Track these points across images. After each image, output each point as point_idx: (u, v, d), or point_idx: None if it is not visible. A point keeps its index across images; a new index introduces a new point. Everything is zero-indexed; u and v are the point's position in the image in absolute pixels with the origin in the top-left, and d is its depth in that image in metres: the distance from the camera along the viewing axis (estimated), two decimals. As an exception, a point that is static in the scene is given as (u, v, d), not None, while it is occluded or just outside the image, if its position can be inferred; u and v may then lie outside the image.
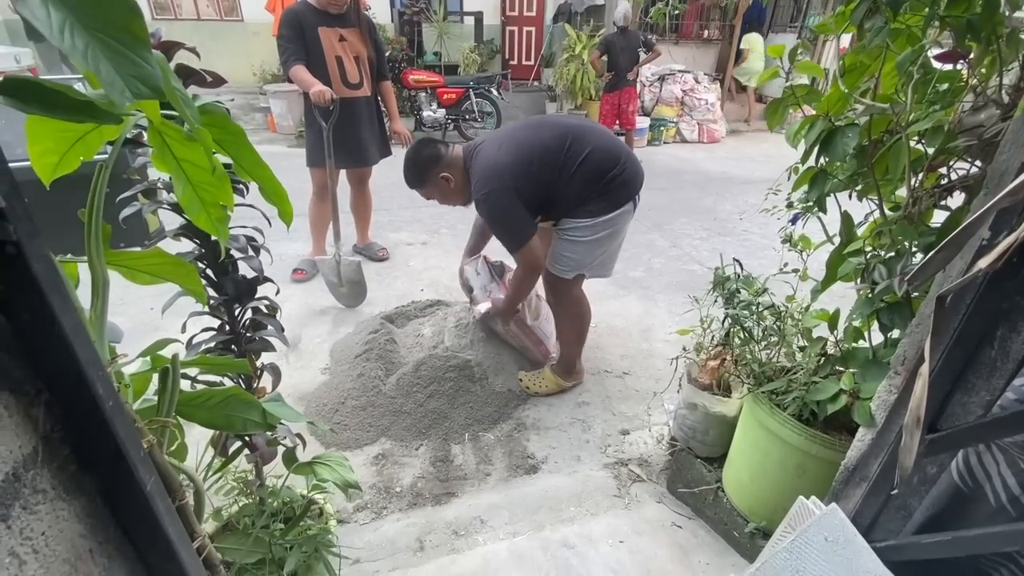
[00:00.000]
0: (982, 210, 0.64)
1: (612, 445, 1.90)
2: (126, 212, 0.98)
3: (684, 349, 1.77)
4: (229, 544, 0.98)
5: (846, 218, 1.24)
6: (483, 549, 1.49)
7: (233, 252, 1.08)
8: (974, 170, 0.98)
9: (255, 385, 1.17)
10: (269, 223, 1.07)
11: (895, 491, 0.91)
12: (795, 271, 1.43)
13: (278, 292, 1.25)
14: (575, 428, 1.97)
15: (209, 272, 1.08)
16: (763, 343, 1.44)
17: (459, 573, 1.41)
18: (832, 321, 1.31)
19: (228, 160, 0.76)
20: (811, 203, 1.25)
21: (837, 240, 1.28)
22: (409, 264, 3.20)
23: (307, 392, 2.07)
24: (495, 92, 6.48)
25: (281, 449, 1.13)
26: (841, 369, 1.25)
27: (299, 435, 1.15)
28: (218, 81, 0.92)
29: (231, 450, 1.11)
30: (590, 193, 1.72)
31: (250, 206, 1.06)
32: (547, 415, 2.02)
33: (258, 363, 1.18)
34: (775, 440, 1.31)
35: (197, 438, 1.02)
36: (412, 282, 2.99)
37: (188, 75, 0.88)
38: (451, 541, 1.51)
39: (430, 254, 3.38)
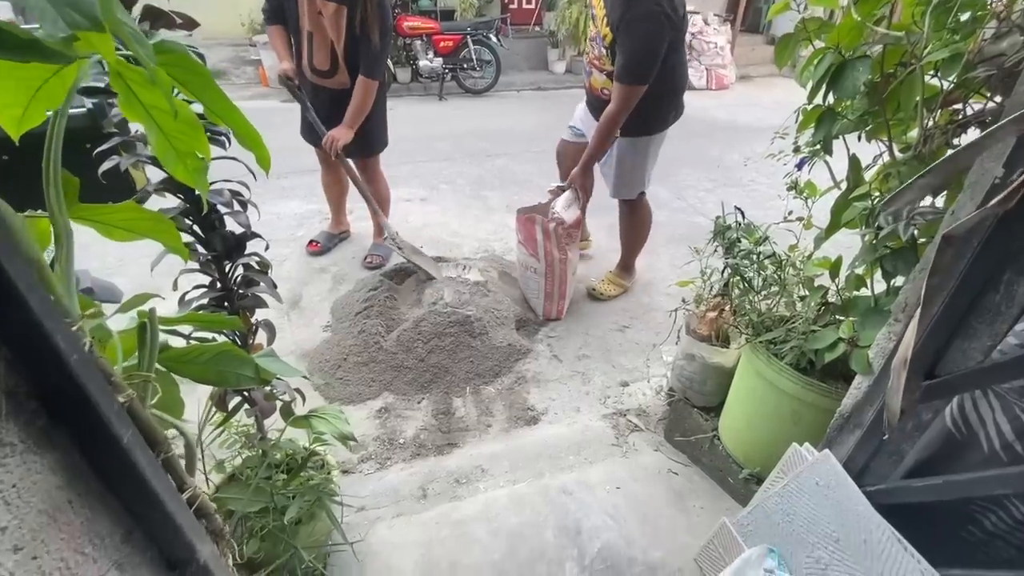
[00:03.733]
0: (978, 137, 0.60)
1: (611, 396, 1.93)
2: (105, 166, 0.95)
3: (683, 301, 1.75)
4: (231, 494, 1.00)
5: (853, 161, 1.19)
6: (484, 496, 1.54)
7: (219, 207, 1.06)
8: (991, 105, 0.92)
9: (250, 341, 1.17)
10: (254, 176, 1.03)
11: (886, 436, 0.91)
12: (799, 219, 1.39)
13: (267, 248, 1.22)
14: (575, 381, 1.99)
15: (196, 228, 1.06)
16: (763, 293, 1.42)
17: (460, 518, 1.47)
18: (834, 269, 1.28)
19: (201, 109, 0.72)
20: (817, 145, 1.20)
21: (844, 187, 1.23)
22: (408, 221, 3.16)
23: (309, 349, 2.09)
24: (494, 39, 6.20)
25: (280, 404, 1.14)
26: (841, 318, 1.23)
27: (298, 390, 1.16)
28: (189, 24, 0.87)
29: (231, 405, 1.13)
30: (670, 101, 2.00)
31: (232, 159, 1.02)
32: (547, 368, 2.04)
33: (252, 320, 1.18)
34: (771, 388, 1.31)
35: (200, 395, 1.04)
36: (411, 239, 2.95)
37: (156, 17, 0.83)
38: (453, 489, 1.56)
39: (429, 211, 3.33)
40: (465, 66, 6.20)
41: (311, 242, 2.88)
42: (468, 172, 3.97)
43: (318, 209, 3.27)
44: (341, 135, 2.19)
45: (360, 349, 1.98)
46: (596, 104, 2.07)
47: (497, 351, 2.03)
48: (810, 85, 1.10)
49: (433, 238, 2.97)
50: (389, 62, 6.00)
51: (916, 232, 1.01)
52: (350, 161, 2.32)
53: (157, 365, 0.69)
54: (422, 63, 6.12)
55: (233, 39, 7.26)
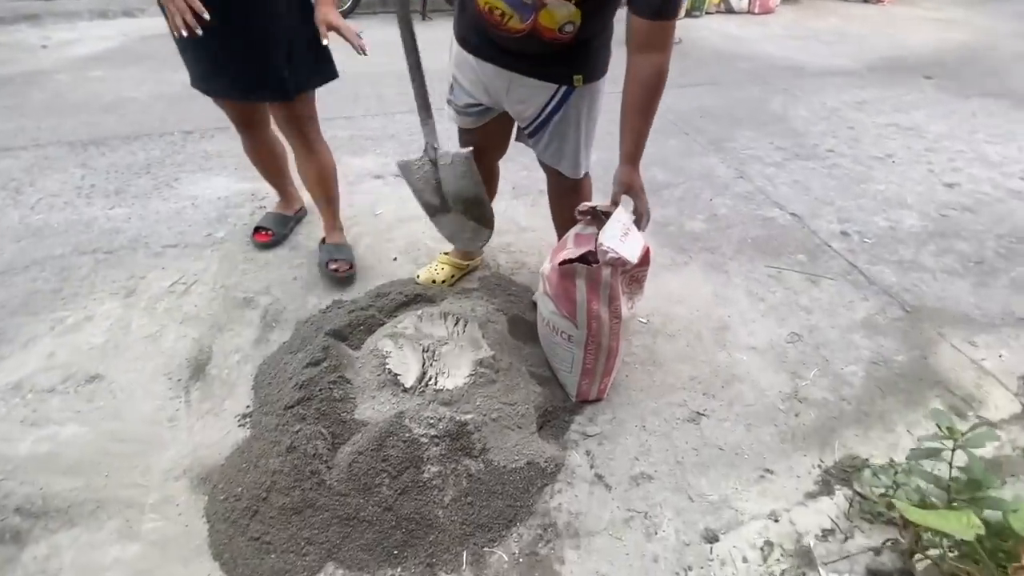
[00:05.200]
0: None
1: (693, 567, 1.21)
2: None
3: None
4: None
5: None
6: None
7: None
8: None
9: None
10: None
11: None
12: None
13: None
14: (634, 531, 1.26)
15: None
16: None
17: None
18: None
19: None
20: None
21: None
22: (376, 214, 2.27)
23: (213, 464, 1.32)
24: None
25: None
26: None
27: None
28: None
29: None
30: None
31: None
32: (589, 504, 1.30)
33: None
34: None
35: None
36: (379, 245, 2.10)
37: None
38: None
39: (407, 195, 2.42)
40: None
41: (259, 231, 2.05)
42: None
43: (252, 190, 2.36)
44: (336, 16, 1.43)
45: (290, 481, 1.22)
46: (534, 53, 1.27)
47: (510, 479, 1.28)
48: None
49: (413, 242, 2.11)
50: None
51: None
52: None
53: None
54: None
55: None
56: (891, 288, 2.02)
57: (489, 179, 1.70)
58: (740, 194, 2.54)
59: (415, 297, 1.68)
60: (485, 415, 1.31)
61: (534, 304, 1.77)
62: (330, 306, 1.75)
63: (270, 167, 2.02)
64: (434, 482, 1.22)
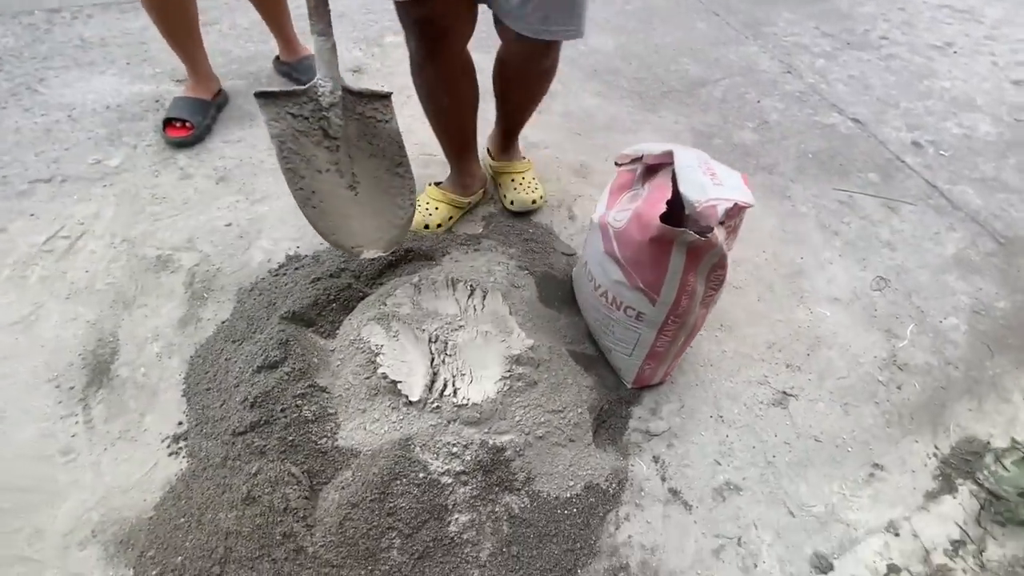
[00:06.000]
0: None
1: (809, 609, 0.94)
2: None
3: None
4: None
5: None
6: None
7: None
8: None
9: None
10: None
11: None
12: None
13: None
14: (727, 564, 0.96)
15: None
16: None
17: None
18: None
19: None
20: None
21: None
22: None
23: (135, 518, 0.91)
24: None
25: None
26: None
27: None
28: None
29: None
30: None
31: None
32: (665, 531, 0.98)
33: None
34: None
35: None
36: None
37: None
38: None
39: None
40: None
41: (171, 124, 1.56)
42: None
43: (156, 94, 1.71)
44: None
45: (253, 549, 0.83)
46: None
47: (565, 513, 0.93)
48: None
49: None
50: None
51: None
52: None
53: None
54: None
55: None
56: (978, 214, 1.67)
57: (463, 79, 1.17)
58: (791, 94, 2.06)
59: (405, 253, 1.20)
60: (528, 433, 0.92)
61: (564, 256, 1.34)
62: (283, 265, 1.27)
63: (177, 21, 1.43)
64: (465, 536, 0.86)
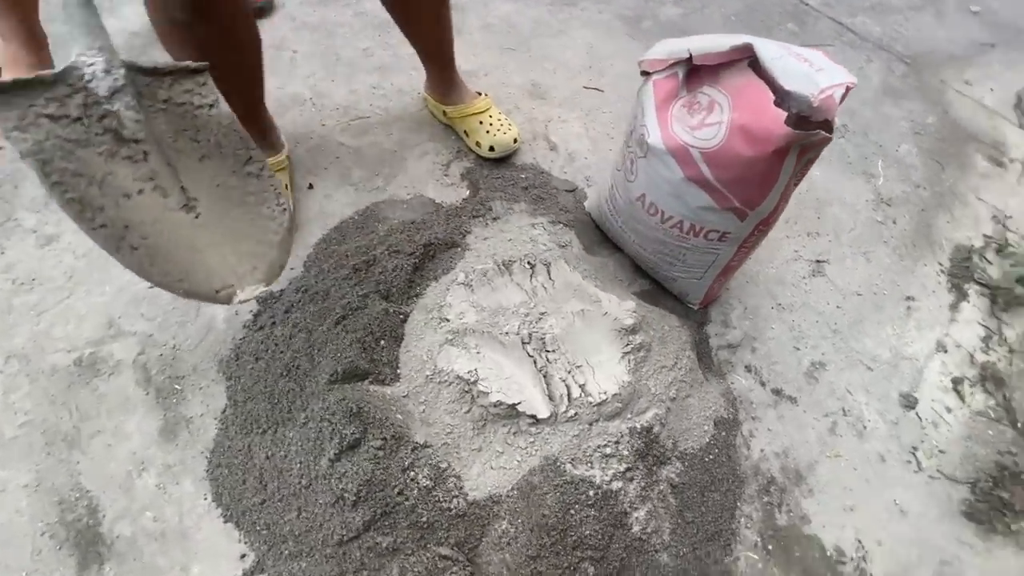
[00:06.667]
0: None
1: (919, 447, 1.03)
2: None
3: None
4: None
5: None
6: None
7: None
8: None
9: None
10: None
11: None
12: None
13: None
14: (844, 437, 1.01)
15: None
16: None
17: None
18: None
19: None
20: None
21: None
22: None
23: None
24: None
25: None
26: None
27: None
28: None
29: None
30: None
31: None
32: (786, 432, 0.99)
33: None
34: None
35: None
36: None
37: None
38: None
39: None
40: None
41: None
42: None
43: None
44: None
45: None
46: None
47: (710, 458, 0.89)
48: None
49: (306, 134, 1.25)
50: None
51: None
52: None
53: None
54: None
55: None
56: (881, 40, 1.79)
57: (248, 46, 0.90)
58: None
59: (424, 248, 0.96)
60: (664, 400, 0.84)
61: (567, 193, 1.20)
62: (259, 314, 0.97)
63: None
64: (648, 528, 0.79)
